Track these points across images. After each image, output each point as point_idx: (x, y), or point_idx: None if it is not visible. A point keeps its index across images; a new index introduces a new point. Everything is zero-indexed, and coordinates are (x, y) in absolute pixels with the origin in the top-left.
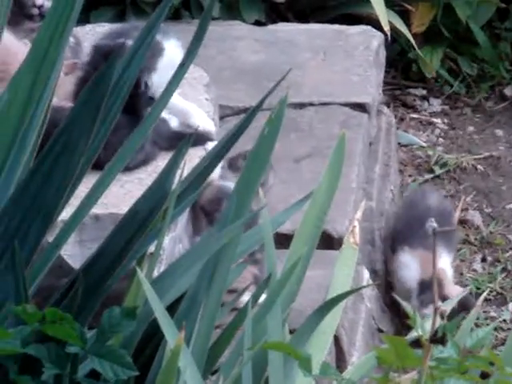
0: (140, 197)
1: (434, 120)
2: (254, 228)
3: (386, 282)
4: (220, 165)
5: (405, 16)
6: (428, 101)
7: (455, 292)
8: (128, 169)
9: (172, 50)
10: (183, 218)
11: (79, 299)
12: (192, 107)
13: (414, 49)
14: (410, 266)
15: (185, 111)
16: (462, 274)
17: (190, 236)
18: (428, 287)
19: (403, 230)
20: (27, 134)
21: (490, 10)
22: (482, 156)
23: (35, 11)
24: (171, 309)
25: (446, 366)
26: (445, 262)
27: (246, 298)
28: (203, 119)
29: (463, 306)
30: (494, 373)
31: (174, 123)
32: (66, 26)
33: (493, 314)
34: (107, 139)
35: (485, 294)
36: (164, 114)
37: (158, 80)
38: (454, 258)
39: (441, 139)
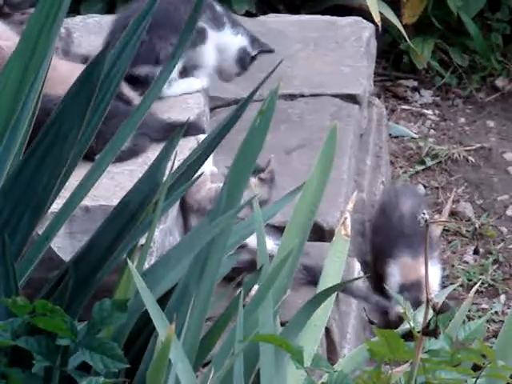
0: (130, 189)
1: (425, 111)
2: (245, 219)
3: (377, 274)
4: (211, 158)
5: (396, 7)
6: (419, 92)
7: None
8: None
9: None
10: (174, 210)
11: (70, 291)
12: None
13: (405, 40)
14: (393, 274)
15: None
16: (453, 265)
17: (181, 228)
18: (407, 289)
19: (382, 246)
20: (18, 125)
21: (482, 1)
22: (473, 147)
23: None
24: (162, 301)
25: (438, 358)
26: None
27: None
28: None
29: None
30: (485, 365)
31: None
32: (56, 16)
33: (484, 305)
34: (98, 129)
35: (476, 286)
36: None
37: None
38: (440, 271)
39: (432, 130)
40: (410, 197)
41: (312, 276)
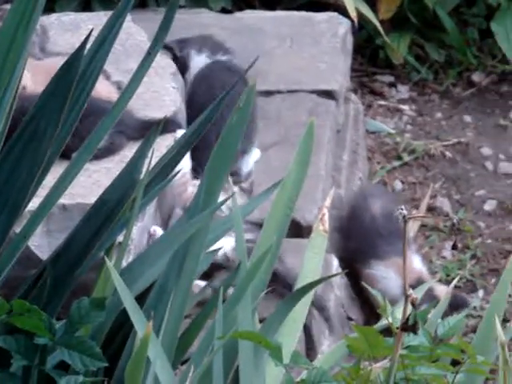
0: (108, 186)
1: (402, 107)
2: (223, 217)
3: (355, 270)
4: (188, 155)
5: (372, 2)
6: (396, 87)
7: (445, 292)
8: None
9: None
10: (151, 208)
11: (47, 290)
12: None
13: (382, 35)
14: (386, 276)
15: None
16: (431, 261)
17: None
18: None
19: (360, 248)
20: None
21: None
22: (450, 142)
23: None
24: (140, 299)
25: (418, 354)
26: (418, 263)
27: None
28: None
29: (455, 307)
30: (465, 360)
31: None
32: (32, 15)
33: None
34: (75, 127)
35: (455, 281)
36: None
37: None
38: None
39: (409, 126)
40: (379, 196)
41: (282, 285)
